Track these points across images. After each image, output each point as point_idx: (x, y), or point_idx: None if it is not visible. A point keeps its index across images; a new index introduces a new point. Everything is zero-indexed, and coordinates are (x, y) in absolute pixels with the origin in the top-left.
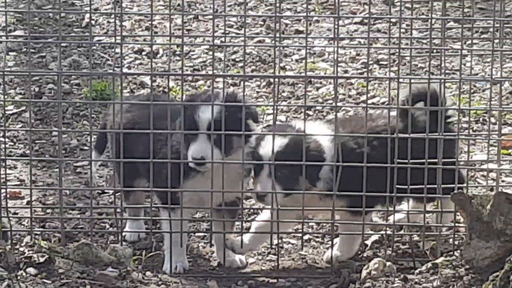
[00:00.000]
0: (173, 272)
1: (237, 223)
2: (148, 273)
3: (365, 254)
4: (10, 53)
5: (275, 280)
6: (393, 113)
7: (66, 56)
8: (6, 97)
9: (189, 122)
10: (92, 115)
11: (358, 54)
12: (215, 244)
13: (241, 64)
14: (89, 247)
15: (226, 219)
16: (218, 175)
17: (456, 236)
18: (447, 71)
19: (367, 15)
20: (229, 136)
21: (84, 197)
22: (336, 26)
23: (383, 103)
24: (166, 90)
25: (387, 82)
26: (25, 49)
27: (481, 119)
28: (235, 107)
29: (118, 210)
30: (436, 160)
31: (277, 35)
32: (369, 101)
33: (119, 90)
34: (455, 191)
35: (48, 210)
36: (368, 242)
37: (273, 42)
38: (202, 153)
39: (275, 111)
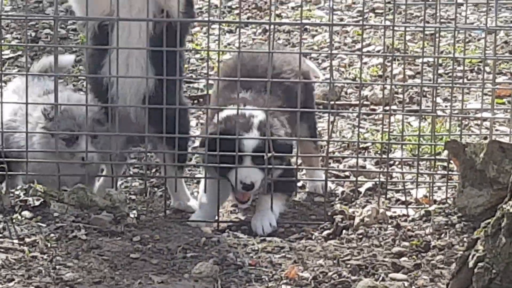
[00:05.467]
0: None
1: None
2: (142, 217)
3: (358, 201)
4: None
5: None
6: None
7: (63, 1)
8: (2, 41)
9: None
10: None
11: (353, 2)
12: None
13: (237, 11)
14: (84, 191)
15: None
16: None
17: (449, 184)
18: (442, 20)
19: None
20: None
21: None
22: None
23: (378, 51)
24: None
25: (382, 30)
26: None
27: (475, 68)
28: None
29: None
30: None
31: None
32: (364, 49)
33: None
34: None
35: None
36: (362, 190)
37: None
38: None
39: (270, 58)
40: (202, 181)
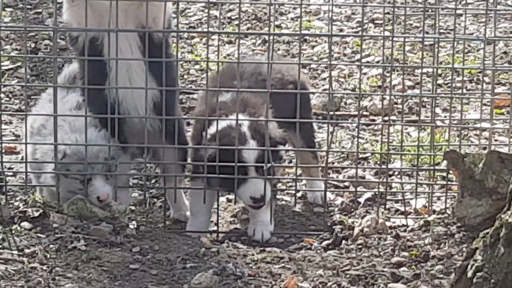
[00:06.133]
0: None
1: None
2: (141, 228)
3: (357, 212)
4: (6, 8)
5: None
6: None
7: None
8: (2, 52)
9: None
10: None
11: (353, 13)
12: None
13: (236, 22)
14: (83, 202)
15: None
16: None
17: (448, 194)
18: (441, 31)
19: None
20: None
21: None
22: None
23: (377, 61)
24: None
25: (381, 41)
26: (21, 5)
27: (475, 78)
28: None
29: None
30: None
31: None
32: (364, 60)
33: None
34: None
35: None
36: (361, 200)
37: (268, 0)
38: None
39: (269, 69)
40: (189, 190)
